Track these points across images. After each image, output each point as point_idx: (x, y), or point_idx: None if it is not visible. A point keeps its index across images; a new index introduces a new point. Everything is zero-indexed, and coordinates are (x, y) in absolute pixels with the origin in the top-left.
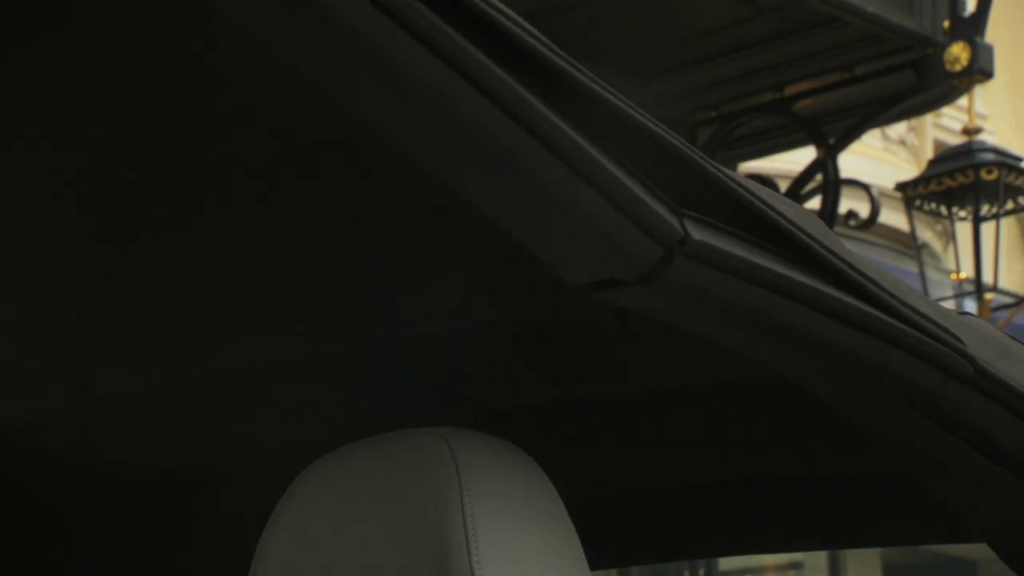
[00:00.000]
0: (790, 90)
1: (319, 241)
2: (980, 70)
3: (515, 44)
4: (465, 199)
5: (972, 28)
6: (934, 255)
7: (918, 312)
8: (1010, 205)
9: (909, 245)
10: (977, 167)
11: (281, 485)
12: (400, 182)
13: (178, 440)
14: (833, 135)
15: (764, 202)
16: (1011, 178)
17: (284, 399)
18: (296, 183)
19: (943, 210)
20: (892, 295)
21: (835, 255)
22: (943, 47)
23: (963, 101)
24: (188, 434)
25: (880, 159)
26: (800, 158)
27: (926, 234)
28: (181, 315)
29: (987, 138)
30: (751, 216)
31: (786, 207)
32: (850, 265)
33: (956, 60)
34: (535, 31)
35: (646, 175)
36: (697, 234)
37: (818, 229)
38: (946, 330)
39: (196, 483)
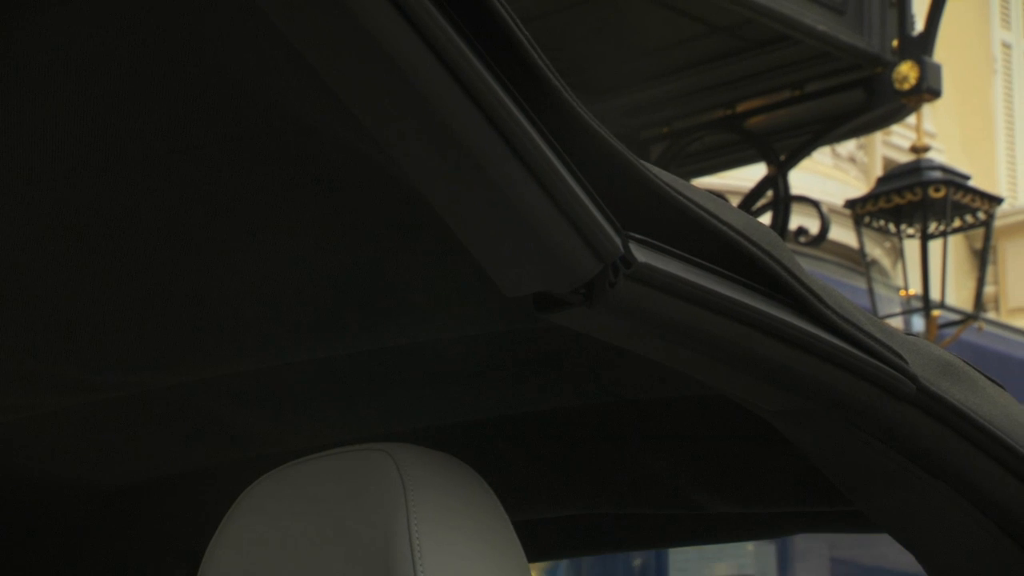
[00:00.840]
0: (742, 107)
1: (268, 260)
2: (928, 89)
3: (485, 23)
4: (412, 199)
5: (920, 48)
6: (883, 272)
7: (861, 330)
8: (957, 223)
9: (858, 262)
10: (925, 185)
11: (226, 502)
12: (356, 188)
13: (122, 457)
14: (784, 152)
15: (712, 214)
16: (958, 196)
17: (230, 416)
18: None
19: (891, 227)
20: (836, 312)
21: (783, 267)
22: (892, 66)
23: (912, 119)
24: (132, 451)
25: (830, 176)
26: (751, 174)
27: (875, 251)
28: (122, 336)
29: (935, 156)
30: (700, 231)
31: (735, 217)
32: (798, 280)
33: (905, 79)
34: (510, 10)
35: (596, 187)
36: (642, 256)
37: (769, 240)
38: (889, 348)
39: (140, 500)
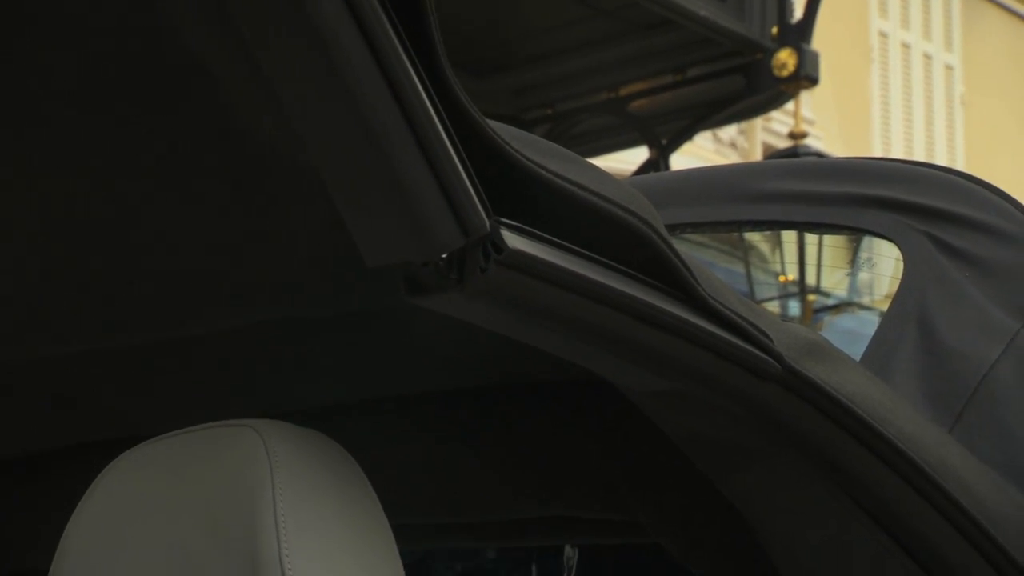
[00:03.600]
0: (625, 90)
1: (143, 232)
2: (806, 76)
3: None
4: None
5: (799, 35)
6: (762, 257)
7: (729, 309)
8: None
9: (737, 246)
10: None
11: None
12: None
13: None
14: (666, 136)
15: (585, 187)
16: None
17: (98, 394)
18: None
19: None
20: (706, 290)
21: (661, 238)
22: (771, 52)
23: (791, 106)
24: (7, 425)
25: (711, 160)
26: (634, 158)
27: (754, 236)
28: None
29: (813, 142)
30: (578, 204)
31: (613, 189)
32: (674, 252)
33: (784, 66)
34: None
35: (472, 164)
36: (514, 243)
37: (648, 211)
38: (756, 327)
39: (17, 474)
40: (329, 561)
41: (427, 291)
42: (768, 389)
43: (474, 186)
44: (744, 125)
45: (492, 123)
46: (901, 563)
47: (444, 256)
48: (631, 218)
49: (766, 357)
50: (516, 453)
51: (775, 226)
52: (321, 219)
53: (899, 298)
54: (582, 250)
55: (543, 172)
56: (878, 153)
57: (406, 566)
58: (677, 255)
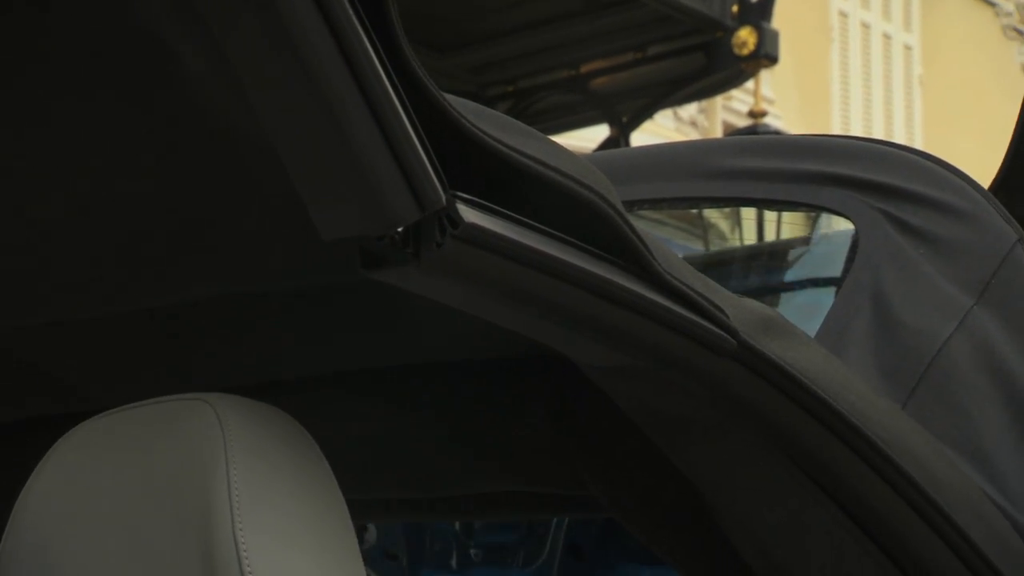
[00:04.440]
0: (585, 68)
1: (93, 204)
2: (766, 55)
3: None
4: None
5: (759, 13)
6: (721, 235)
7: (684, 284)
8: None
9: (696, 223)
10: None
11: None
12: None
13: None
14: (626, 114)
15: (539, 160)
16: None
17: (48, 368)
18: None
19: None
20: (662, 265)
21: (617, 212)
22: (731, 31)
23: (751, 84)
24: None
25: (672, 139)
26: (595, 135)
27: (713, 214)
28: None
29: (773, 121)
30: (533, 178)
31: (569, 162)
32: (630, 227)
33: (744, 44)
34: None
35: (429, 140)
36: (470, 216)
37: (604, 185)
38: (711, 303)
39: None
40: (283, 534)
41: (383, 265)
42: (723, 365)
43: (430, 160)
44: (704, 104)
45: (450, 97)
46: (856, 541)
47: (400, 230)
48: (587, 193)
49: (721, 333)
50: (470, 429)
51: (733, 203)
52: (278, 193)
53: (854, 275)
54: (538, 225)
55: (500, 146)
56: (837, 132)
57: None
58: (633, 230)
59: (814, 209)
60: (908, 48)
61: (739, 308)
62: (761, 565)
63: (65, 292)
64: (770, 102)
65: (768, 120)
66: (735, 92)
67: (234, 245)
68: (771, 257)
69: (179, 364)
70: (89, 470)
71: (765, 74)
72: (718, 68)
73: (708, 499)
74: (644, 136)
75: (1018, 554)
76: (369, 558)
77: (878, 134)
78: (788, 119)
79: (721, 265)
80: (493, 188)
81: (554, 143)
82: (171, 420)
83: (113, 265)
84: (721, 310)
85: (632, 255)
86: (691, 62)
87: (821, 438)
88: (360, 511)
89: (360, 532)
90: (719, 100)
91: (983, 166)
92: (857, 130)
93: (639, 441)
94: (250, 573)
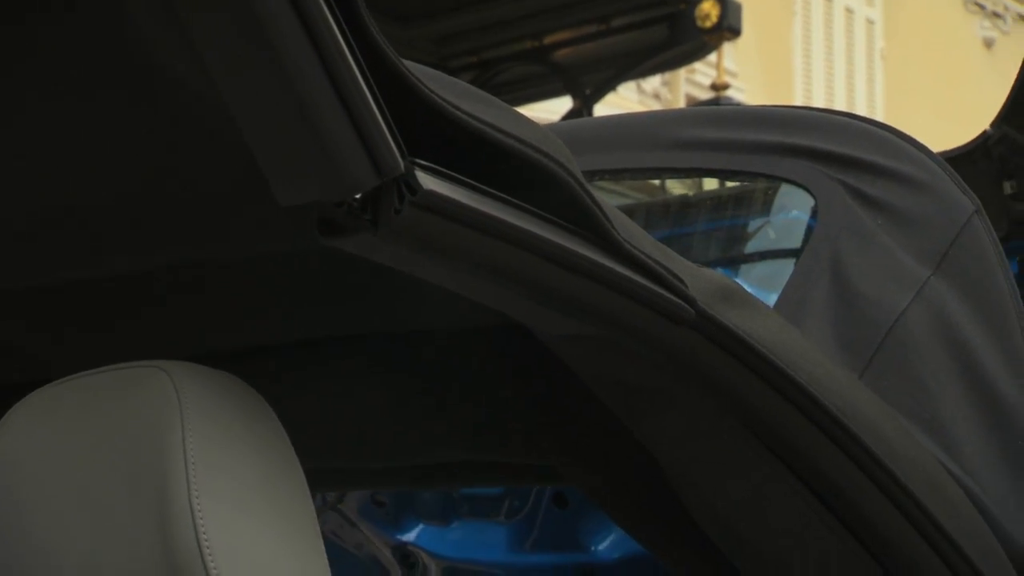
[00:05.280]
0: (549, 39)
1: (53, 167)
2: (729, 27)
3: None
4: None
5: None
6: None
7: (643, 252)
8: None
9: (656, 194)
10: None
11: None
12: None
13: None
14: (590, 86)
15: (498, 128)
16: None
17: (5, 334)
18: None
19: None
20: (620, 234)
21: (576, 180)
22: (694, 3)
23: (715, 57)
24: None
25: (635, 111)
26: (558, 107)
27: (676, 187)
28: None
29: (736, 94)
30: (492, 146)
31: (528, 130)
32: (588, 195)
33: (707, 16)
34: None
35: (387, 106)
36: (428, 184)
37: (563, 153)
38: (670, 272)
39: None
40: (239, 501)
41: (341, 233)
42: (681, 334)
43: (388, 125)
44: (668, 76)
45: (410, 64)
46: (816, 513)
47: (358, 197)
48: (546, 160)
49: (679, 301)
50: (437, 399)
51: (694, 173)
52: (241, 156)
53: (812, 245)
54: (497, 193)
55: (459, 113)
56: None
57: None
58: (592, 198)
59: (774, 180)
60: (870, 22)
61: (697, 277)
62: (724, 539)
63: (24, 258)
64: (733, 75)
65: (731, 93)
66: (698, 65)
67: (197, 209)
68: (730, 229)
69: (141, 332)
70: (44, 437)
71: (728, 47)
72: (681, 40)
73: (669, 472)
74: (607, 108)
75: (971, 520)
76: (358, 503)
77: (840, 107)
78: (751, 92)
79: (679, 221)
80: (452, 156)
81: (514, 111)
82: (127, 387)
83: (74, 229)
84: (679, 279)
85: (591, 223)
86: (654, 34)
87: (779, 408)
88: (323, 480)
89: None
90: (682, 73)
91: (943, 138)
92: (819, 103)
93: (600, 411)
94: (205, 539)
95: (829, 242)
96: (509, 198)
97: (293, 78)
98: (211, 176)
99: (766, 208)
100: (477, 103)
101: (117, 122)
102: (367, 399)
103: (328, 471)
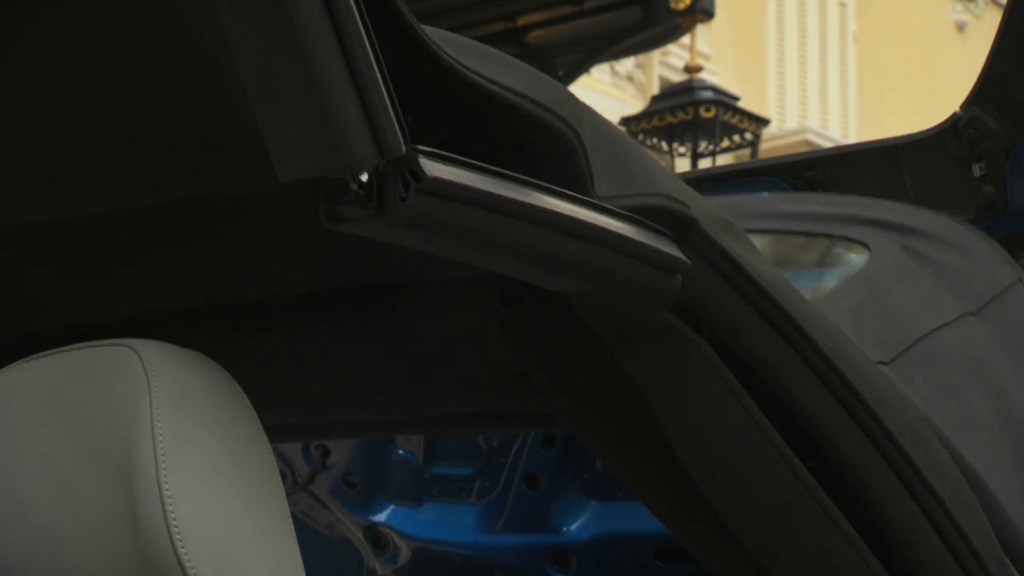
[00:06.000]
0: (522, 20)
1: (48, 101)
2: (702, 10)
3: None
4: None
5: None
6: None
7: (639, 202)
8: (726, 143)
9: None
10: (696, 104)
11: None
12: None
13: None
14: (563, 68)
15: (488, 78)
16: (728, 116)
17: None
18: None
19: (664, 145)
20: (599, 192)
21: (570, 127)
22: None
23: (688, 39)
24: None
25: (608, 93)
26: None
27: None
28: None
29: (709, 77)
30: (487, 97)
31: (519, 78)
32: (579, 140)
33: None
34: None
35: (393, 66)
36: (433, 171)
37: (557, 99)
38: (670, 205)
39: None
40: (207, 480)
41: (346, 219)
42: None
43: (394, 107)
44: (641, 58)
45: (427, 29)
46: (791, 467)
47: (364, 181)
48: (536, 107)
49: (677, 256)
50: (434, 351)
51: (770, 232)
52: (242, 97)
53: (859, 272)
54: (501, 170)
55: (479, 79)
56: (772, 90)
57: None
58: (581, 142)
59: (836, 239)
60: (843, 5)
61: (701, 204)
62: (708, 487)
63: (26, 192)
64: (706, 57)
65: (704, 75)
66: (672, 47)
67: (197, 147)
68: (794, 273)
69: (143, 276)
70: (11, 416)
71: (701, 29)
72: (655, 23)
73: (658, 416)
74: (580, 90)
75: (954, 481)
76: (329, 483)
77: (813, 89)
78: (724, 74)
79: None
80: (465, 116)
81: (505, 56)
82: (95, 365)
83: (75, 163)
84: (683, 203)
85: (580, 183)
86: (628, 16)
87: (768, 340)
88: (317, 432)
89: (323, 458)
90: (656, 55)
91: (915, 120)
92: (792, 86)
93: (598, 356)
94: (173, 517)
95: (876, 273)
96: (511, 174)
97: (302, 48)
98: (217, 111)
99: (825, 256)
100: (495, 64)
101: (122, 59)
102: (363, 352)
103: (332, 423)
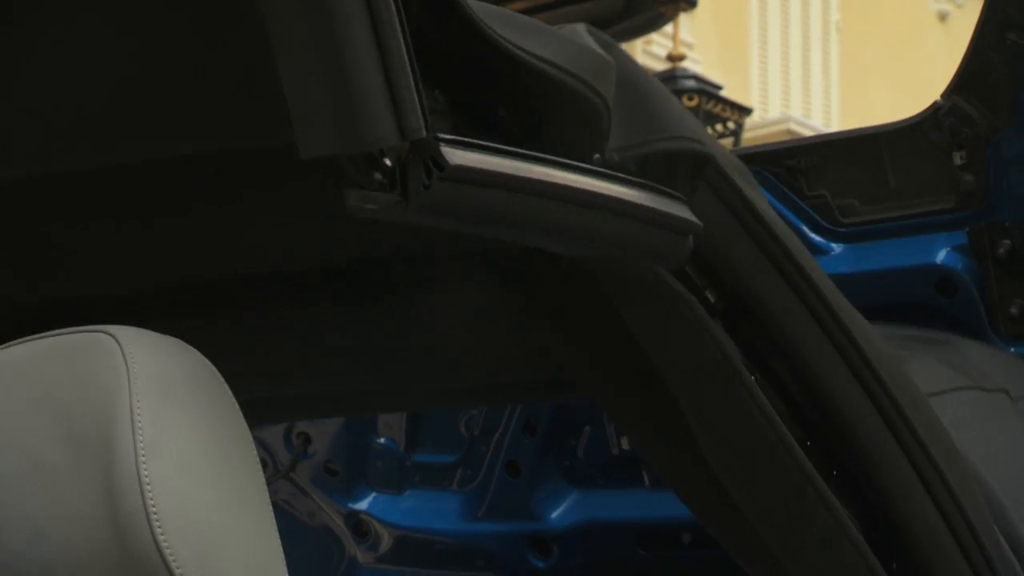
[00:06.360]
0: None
1: (52, 57)
2: None
3: None
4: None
5: None
6: None
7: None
8: (709, 132)
9: None
10: (679, 93)
11: None
12: None
13: None
14: None
15: (527, 51)
16: (710, 105)
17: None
18: None
19: None
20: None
21: (603, 101)
22: None
23: (670, 28)
24: None
25: None
26: None
27: None
28: None
29: (692, 66)
30: (523, 68)
31: (555, 50)
32: (608, 111)
33: None
34: None
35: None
36: (455, 159)
37: (593, 70)
38: (685, 137)
39: None
40: (187, 468)
41: (371, 205)
42: (696, 197)
43: (419, 91)
44: (624, 47)
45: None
46: (777, 433)
47: (388, 166)
48: (588, 91)
49: (690, 218)
50: (457, 325)
51: None
52: (257, 53)
53: None
54: (519, 151)
55: (514, 49)
56: (755, 79)
57: None
58: (608, 117)
59: None
60: None
61: (718, 146)
62: (711, 457)
63: (47, 143)
64: (689, 46)
65: (687, 64)
66: (654, 36)
67: (229, 96)
68: None
69: (167, 238)
70: None
71: (684, 18)
72: (637, 11)
73: (661, 372)
74: None
75: (949, 448)
76: (311, 471)
77: (795, 78)
78: (707, 63)
79: None
80: (495, 83)
81: (541, 26)
82: (73, 353)
83: (99, 114)
84: (700, 141)
85: (601, 143)
86: (610, 4)
87: (773, 285)
88: (340, 405)
89: (304, 446)
90: (638, 43)
91: (897, 110)
92: (775, 75)
93: (612, 318)
94: (152, 504)
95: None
96: (529, 153)
97: (338, 29)
98: (233, 63)
99: None
100: (522, 32)
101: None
102: (394, 329)
103: (357, 395)
